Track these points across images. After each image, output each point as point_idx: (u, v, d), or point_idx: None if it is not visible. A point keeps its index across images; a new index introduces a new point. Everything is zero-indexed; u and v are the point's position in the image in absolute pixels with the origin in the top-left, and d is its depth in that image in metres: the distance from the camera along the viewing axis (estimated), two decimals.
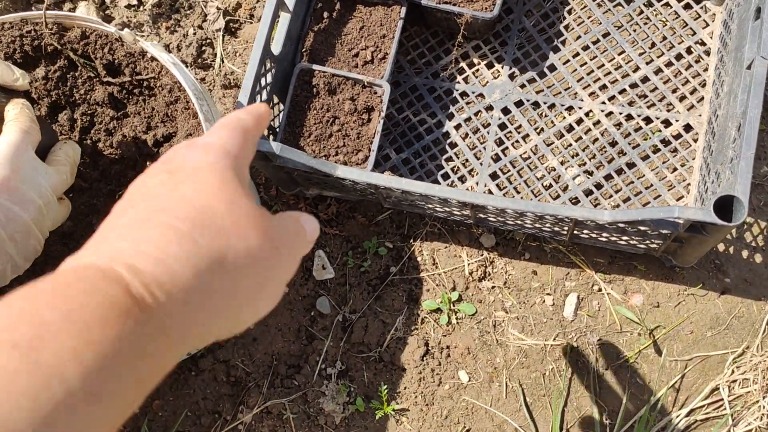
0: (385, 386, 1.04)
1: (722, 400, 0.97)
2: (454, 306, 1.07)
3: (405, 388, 1.05)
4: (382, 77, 1.03)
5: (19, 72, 0.78)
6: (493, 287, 1.08)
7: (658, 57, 1.09)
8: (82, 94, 0.91)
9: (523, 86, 1.12)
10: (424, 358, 1.06)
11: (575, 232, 0.99)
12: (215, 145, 0.39)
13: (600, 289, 1.05)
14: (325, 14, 1.08)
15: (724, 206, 0.80)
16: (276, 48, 1.02)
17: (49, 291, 0.31)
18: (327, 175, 0.95)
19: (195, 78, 1.19)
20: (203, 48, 1.25)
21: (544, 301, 1.06)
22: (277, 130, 1.04)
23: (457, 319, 1.07)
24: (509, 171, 1.08)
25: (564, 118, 1.09)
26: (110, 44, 0.88)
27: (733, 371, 0.98)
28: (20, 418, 0.26)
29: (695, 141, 1.04)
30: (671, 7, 1.11)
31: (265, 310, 0.39)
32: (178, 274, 0.33)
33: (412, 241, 1.11)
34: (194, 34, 1.26)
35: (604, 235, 0.98)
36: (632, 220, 0.84)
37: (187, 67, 1.23)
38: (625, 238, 0.97)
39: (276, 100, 1.06)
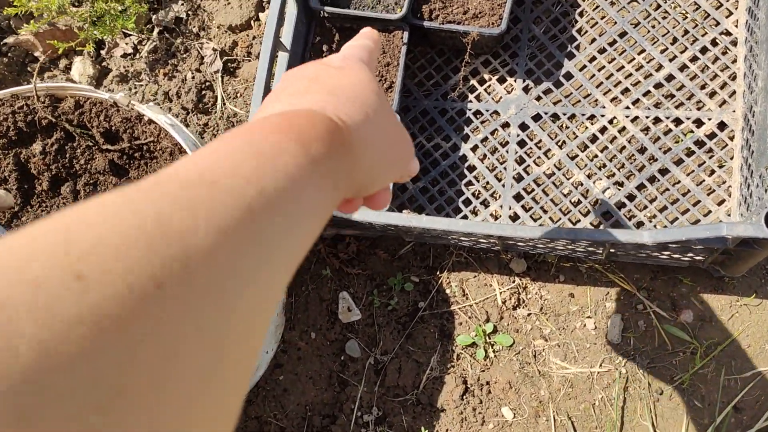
0: (426, 430, 0.99)
1: None
2: (489, 338, 1.02)
3: (447, 430, 1.00)
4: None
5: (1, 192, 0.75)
6: (529, 315, 1.02)
7: (682, 53, 1.02)
8: (82, 164, 0.87)
9: (539, 98, 1.06)
10: (464, 397, 1.00)
11: (612, 250, 0.93)
12: (355, 56, 0.45)
13: (645, 308, 0.98)
14: (324, 47, 1.03)
15: None
16: None
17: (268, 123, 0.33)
18: (343, 218, 0.90)
19: (198, 123, 1.15)
20: (203, 92, 1.21)
21: (585, 325, 1.00)
22: None
23: (494, 352, 1.01)
24: (533, 190, 1.02)
25: (586, 128, 1.03)
26: (106, 111, 0.84)
27: None
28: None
29: (731, 139, 0.97)
30: None
31: (398, 174, 0.45)
32: (356, 120, 0.38)
33: (438, 273, 1.06)
34: (193, 78, 1.22)
35: (644, 252, 0.91)
36: (676, 240, 0.78)
37: (188, 114, 1.19)
38: (666, 253, 0.90)
39: None
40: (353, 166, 0.36)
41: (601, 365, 0.98)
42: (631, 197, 0.99)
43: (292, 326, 1.08)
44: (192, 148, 0.80)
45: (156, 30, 1.27)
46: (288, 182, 0.29)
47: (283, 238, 0.28)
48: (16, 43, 1.28)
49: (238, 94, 1.20)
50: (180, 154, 0.83)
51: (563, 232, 0.84)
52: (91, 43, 1.24)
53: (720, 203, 0.95)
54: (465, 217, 1.03)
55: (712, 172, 0.97)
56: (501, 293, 1.03)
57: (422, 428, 0.99)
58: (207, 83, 1.22)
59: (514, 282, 1.03)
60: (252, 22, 1.22)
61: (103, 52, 1.29)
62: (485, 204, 1.03)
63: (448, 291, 1.05)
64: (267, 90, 0.93)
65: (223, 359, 0.23)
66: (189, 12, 1.27)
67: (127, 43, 1.29)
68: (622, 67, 1.04)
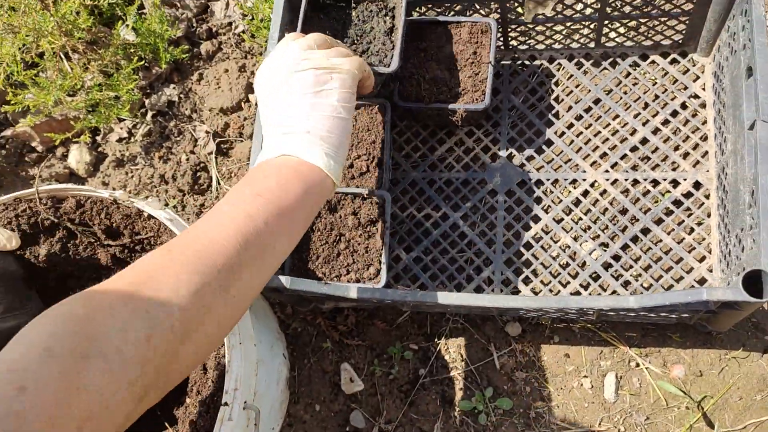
0: None
1: None
2: (490, 403, 1.04)
3: None
4: (380, 185, 1.02)
5: (5, 235, 0.79)
6: (527, 377, 1.04)
7: (654, 116, 1.08)
8: (86, 260, 0.90)
9: (522, 165, 1.10)
10: None
11: (602, 312, 0.96)
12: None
13: (638, 365, 1.01)
14: None
15: (754, 279, 0.77)
16: None
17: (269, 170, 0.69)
18: (341, 297, 0.93)
19: (194, 205, 1.19)
20: (198, 173, 1.25)
21: (582, 385, 1.03)
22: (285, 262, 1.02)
23: (496, 416, 1.03)
24: (523, 255, 1.06)
25: (569, 192, 1.08)
26: (106, 209, 0.88)
27: None
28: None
29: (707, 198, 1.02)
30: (658, 65, 1.10)
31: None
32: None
33: (436, 339, 1.09)
34: (187, 160, 1.26)
35: (633, 312, 0.94)
36: (659, 305, 0.81)
37: (184, 195, 1.23)
38: (653, 313, 0.94)
39: None
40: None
41: (600, 424, 1.00)
42: (616, 257, 1.03)
43: (297, 399, 1.10)
44: None
45: (150, 114, 1.32)
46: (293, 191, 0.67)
47: (306, 212, 0.68)
48: (14, 135, 1.32)
49: (233, 174, 1.24)
50: None
51: (552, 300, 0.87)
52: (87, 133, 1.28)
53: (701, 260, 0.99)
54: (459, 284, 1.06)
55: (692, 230, 1.01)
56: (499, 357, 1.06)
57: None
58: (201, 164, 1.26)
59: (510, 345, 1.06)
60: (242, 103, 1.27)
61: (99, 138, 1.33)
62: (478, 270, 1.07)
63: (447, 357, 1.08)
64: None
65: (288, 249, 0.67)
66: (181, 95, 1.32)
67: (122, 128, 1.33)
68: (599, 132, 1.09)
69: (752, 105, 0.84)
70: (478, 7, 1.07)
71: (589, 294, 1.01)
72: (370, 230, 0.98)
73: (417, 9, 1.10)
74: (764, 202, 0.79)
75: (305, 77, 0.72)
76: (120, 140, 1.33)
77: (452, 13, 1.09)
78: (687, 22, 1.02)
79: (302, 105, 0.71)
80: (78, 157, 1.30)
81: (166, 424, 0.87)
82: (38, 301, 0.83)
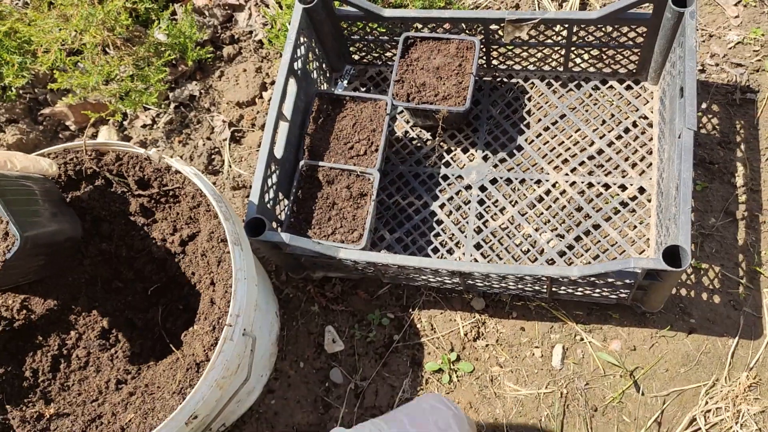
0: None
1: (700, 429, 1.08)
2: (453, 365, 1.19)
3: None
4: (374, 166, 1.19)
5: (47, 162, 0.95)
6: (487, 345, 1.20)
7: (609, 131, 1.26)
8: (118, 206, 1.06)
9: (495, 166, 1.28)
10: None
11: (554, 289, 1.12)
12: None
13: (582, 339, 1.17)
14: (321, 117, 1.25)
15: (673, 254, 0.94)
16: (278, 152, 1.18)
17: None
18: (331, 257, 1.09)
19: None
20: (212, 156, 1.42)
21: (533, 354, 1.18)
22: (283, 220, 1.18)
23: (457, 377, 1.18)
24: (491, 240, 1.23)
25: (534, 190, 1.25)
26: (140, 163, 1.04)
27: (707, 402, 1.09)
28: None
29: (649, 201, 1.20)
30: (615, 89, 1.29)
31: None
32: None
33: (411, 310, 1.24)
34: (203, 145, 1.43)
35: (579, 289, 1.11)
36: (597, 273, 0.98)
37: None
38: (597, 290, 1.10)
39: (281, 196, 1.22)
40: None
41: (546, 387, 1.15)
42: (570, 247, 1.20)
43: (284, 356, 1.25)
44: (210, 192, 1.00)
45: (172, 105, 1.49)
46: None
47: None
48: (52, 114, 1.49)
49: (243, 159, 1.41)
50: (201, 197, 1.03)
51: (510, 268, 1.04)
52: (119, 114, 1.45)
53: (641, 252, 1.16)
54: None
55: (635, 227, 1.18)
56: (463, 327, 1.21)
57: None
58: (216, 149, 1.43)
59: (474, 318, 1.22)
60: (256, 99, 1.45)
61: (125, 123, 1.50)
62: (450, 252, 1.23)
63: (418, 325, 1.23)
64: (271, 152, 1.14)
65: None
66: (202, 91, 1.50)
67: (146, 116, 1.51)
68: (563, 141, 1.27)
69: (682, 117, 1.03)
70: (464, 27, 1.26)
71: None
72: (360, 202, 1.15)
73: (413, 26, 1.29)
74: (684, 192, 0.97)
75: None
76: (144, 126, 1.50)
77: (442, 30, 1.28)
78: (639, 53, 1.22)
79: None
80: (107, 137, 1.47)
81: (172, 347, 1.01)
82: (74, 215, 1.00)
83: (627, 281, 1.02)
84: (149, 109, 1.50)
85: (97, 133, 1.49)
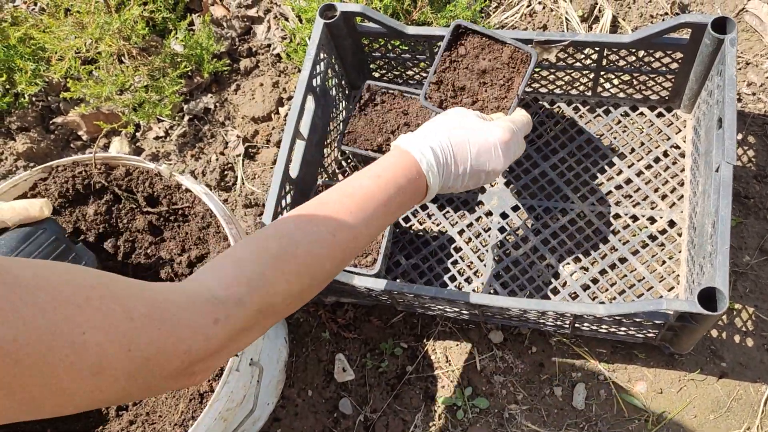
0: None
1: None
2: (468, 401, 1.14)
3: None
4: None
5: (38, 205, 0.88)
6: (504, 381, 1.14)
7: (638, 160, 1.21)
8: (125, 224, 1.02)
9: (518, 193, 1.23)
10: None
11: (576, 325, 1.07)
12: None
13: (605, 378, 1.11)
14: (368, 107, 1.21)
15: (709, 296, 0.88)
16: (293, 172, 1.14)
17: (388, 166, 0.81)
18: (344, 283, 1.04)
19: (219, 199, 1.31)
20: (225, 172, 1.38)
21: (553, 392, 1.12)
22: None
23: (472, 413, 1.13)
24: (511, 270, 1.17)
25: (558, 219, 1.20)
26: (150, 179, 1.00)
27: None
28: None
29: (680, 235, 1.14)
30: (646, 116, 1.23)
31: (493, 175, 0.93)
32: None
33: (425, 340, 1.19)
34: (217, 159, 1.39)
35: (603, 327, 1.05)
36: (625, 313, 0.92)
37: (211, 190, 1.35)
38: (623, 329, 1.04)
39: None
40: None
41: (566, 428, 1.09)
42: (594, 280, 1.14)
43: (292, 383, 1.20)
44: (221, 214, 0.96)
45: (186, 117, 1.46)
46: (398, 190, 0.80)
47: (396, 208, 0.79)
48: (64, 123, 1.46)
49: (256, 176, 1.37)
50: (210, 218, 0.98)
51: (533, 303, 0.98)
52: (131, 125, 1.42)
53: (670, 289, 1.11)
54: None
55: (664, 262, 1.12)
56: (480, 361, 1.16)
57: None
58: (229, 165, 1.39)
59: (492, 351, 1.16)
60: (272, 114, 1.41)
61: (138, 135, 1.47)
62: (468, 281, 1.18)
63: (433, 357, 1.18)
64: (286, 172, 1.10)
65: (373, 234, 0.78)
66: (217, 104, 1.46)
67: (159, 128, 1.47)
68: (589, 169, 1.22)
69: (720, 150, 0.97)
70: None
71: None
72: None
73: (437, 44, 1.24)
74: (722, 230, 0.91)
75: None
76: (157, 138, 1.46)
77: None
78: (672, 80, 1.17)
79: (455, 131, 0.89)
80: (118, 148, 1.43)
81: None
82: (85, 250, 0.94)
83: (656, 322, 0.96)
84: (163, 121, 1.47)
85: (109, 144, 1.45)
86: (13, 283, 0.41)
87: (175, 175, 1.00)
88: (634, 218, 1.17)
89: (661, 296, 1.10)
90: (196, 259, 1.01)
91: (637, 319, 0.97)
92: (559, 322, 1.06)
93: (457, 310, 1.11)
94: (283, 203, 1.11)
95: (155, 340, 0.49)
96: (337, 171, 1.30)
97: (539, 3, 1.43)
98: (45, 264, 0.48)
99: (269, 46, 1.50)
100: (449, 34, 1.09)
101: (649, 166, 1.20)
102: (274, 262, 0.64)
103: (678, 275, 1.11)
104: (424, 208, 1.25)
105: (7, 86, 1.43)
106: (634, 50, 1.12)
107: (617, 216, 1.18)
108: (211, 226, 0.99)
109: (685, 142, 1.20)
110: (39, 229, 0.87)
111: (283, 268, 0.64)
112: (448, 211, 1.24)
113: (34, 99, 1.47)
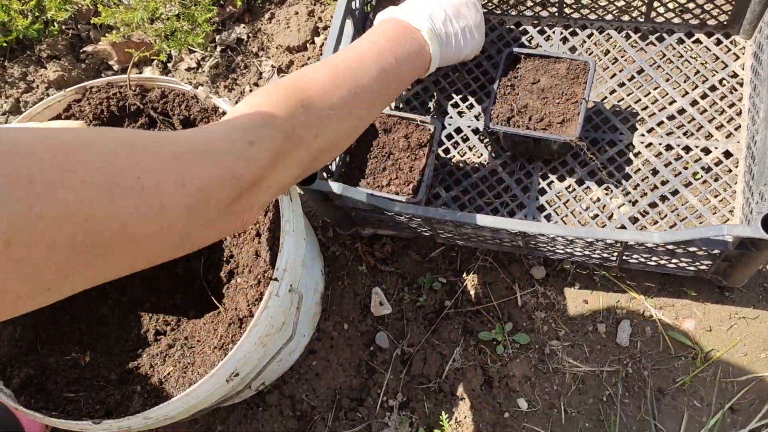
0: (446, 416, 1.07)
1: None
2: (509, 336, 1.11)
3: (465, 417, 1.08)
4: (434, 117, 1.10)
5: (75, 126, 0.87)
6: (546, 317, 1.11)
7: (693, 89, 1.15)
8: None
9: None
10: (483, 387, 1.09)
11: (624, 257, 1.03)
12: None
13: (651, 316, 1.08)
14: None
15: None
16: None
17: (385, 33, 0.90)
18: (383, 211, 1.01)
19: None
20: None
21: (596, 329, 1.09)
22: (333, 170, 1.11)
23: (512, 349, 1.10)
24: (556, 203, 1.13)
25: (606, 151, 1.15)
26: (186, 102, 0.97)
27: None
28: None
29: (736, 167, 1.08)
30: (702, 43, 1.17)
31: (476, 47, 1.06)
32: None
33: (465, 275, 1.16)
34: (250, 91, 1.35)
35: (654, 259, 1.01)
36: (682, 240, 0.88)
37: None
38: (674, 261, 1.00)
39: None
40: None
41: (609, 365, 1.06)
42: (644, 213, 1.09)
43: (327, 317, 1.18)
44: None
45: (219, 48, 1.42)
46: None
47: (400, 76, 0.88)
48: (94, 52, 1.43)
49: None
50: None
51: (582, 231, 0.94)
52: (164, 54, 1.38)
53: (724, 222, 1.06)
54: None
55: (718, 194, 1.07)
56: (521, 296, 1.13)
57: (443, 413, 1.07)
58: None
59: (533, 287, 1.13)
60: (308, 44, 1.37)
61: (169, 65, 1.43)
62: (511, 213, 1.14)
63: (472, 292, 1.15)
64: None
65: (390, 96, 0.88)
66: (250, 34, 1.41)
67: (191, 59, 1.43)
68: (640, 99, 1.16)
69: None
70: None
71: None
72: (417, 153, 1.06)
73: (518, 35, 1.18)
74: None
75: None
76: (189, 69, 1.43)
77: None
78: (733, 2, 1.09)
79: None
80: None
81: (214, 300, 0.95)
82: None
83: (713, 252, 0.92)
84: (194, 51, 1.43)
85: (141, 74, 1.42)
86: (57, 146, 0.41)
87: (212, 97, 0.96)
88: (687, 149, 1.12)
89: None
90: None
91: (692, 248, 0.92)
92: (606, 254, 1.02)
93: (498, 242, 1.08)
94: None
95: (204, 171, 0.54)
96: None
97: None
98: (83, 128, 0.51)
99: None
100: (503, 62, 1.11)
101: (704, 95, 1.14)
102: (292, 92, 0.71)
103: (732, 208, 1.06)
104: (465, 139, 1.20)
105: (37, 13, 1.40)
106: None
107: (669, 147, 1.12)
108: None
109: (743, 69, 1.13)
110: None
111: (299, 97, 0.70)
112: (489, 143, 1.19)
113: (63, 27, 1.43)
